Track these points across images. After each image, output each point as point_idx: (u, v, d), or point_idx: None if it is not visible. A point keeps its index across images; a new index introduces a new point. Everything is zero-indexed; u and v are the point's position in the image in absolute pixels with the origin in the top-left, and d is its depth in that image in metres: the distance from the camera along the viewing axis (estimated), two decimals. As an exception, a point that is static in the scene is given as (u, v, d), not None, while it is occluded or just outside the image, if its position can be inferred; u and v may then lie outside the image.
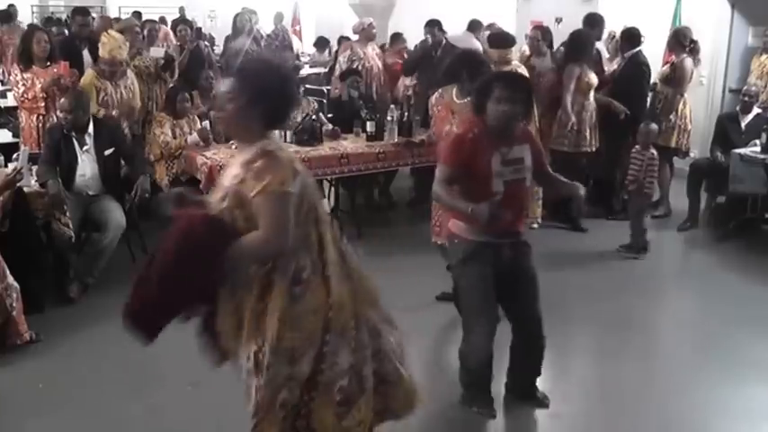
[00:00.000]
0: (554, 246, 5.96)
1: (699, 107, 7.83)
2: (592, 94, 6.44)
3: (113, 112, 5.90)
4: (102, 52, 5.96)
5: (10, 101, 6.87)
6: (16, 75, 5.82)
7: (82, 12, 7.11)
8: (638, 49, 6.66)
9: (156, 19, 8.98)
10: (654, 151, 5.95)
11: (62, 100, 5.14)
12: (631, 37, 6.73)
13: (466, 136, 3.40)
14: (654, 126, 6.09)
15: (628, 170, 5.99)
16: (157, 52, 6.97)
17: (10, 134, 6.46)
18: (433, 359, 4.45)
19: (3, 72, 8.49)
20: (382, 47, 9.33)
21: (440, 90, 4.65)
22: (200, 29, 11.35)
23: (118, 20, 9.16)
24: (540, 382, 4.04)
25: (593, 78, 6.38)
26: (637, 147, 6.00)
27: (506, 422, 3.70)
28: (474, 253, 3.42)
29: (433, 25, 7.53)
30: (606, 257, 5.92)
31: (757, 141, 6.20)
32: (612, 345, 4.46)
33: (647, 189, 5.95)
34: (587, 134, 6.43)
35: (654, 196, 6.41)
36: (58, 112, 5.24)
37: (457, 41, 7.31)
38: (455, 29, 8.32)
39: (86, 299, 4.85)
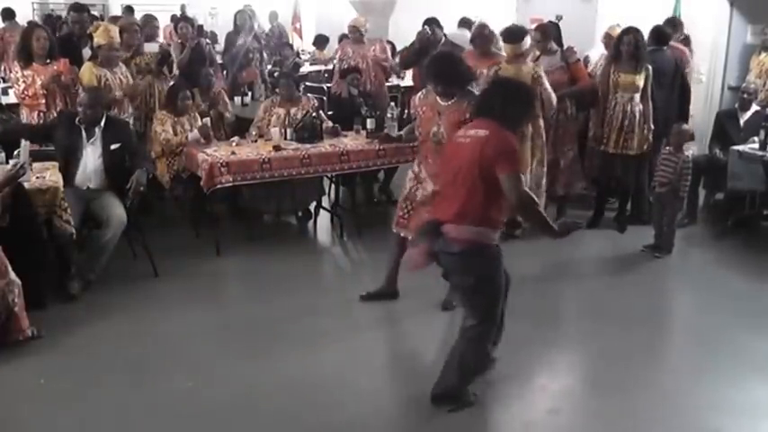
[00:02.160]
0: (549, 246, 5.97)
1: (698, 104, 7.86)
2: (625, 93, 6.18)
3: (117, 94, 5.96)
4: (99, 39, 5.99)
5: (11, 98, 6.87)
6: (17, 72, 5.83)
7: (77, 8, 6.88)
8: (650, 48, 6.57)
9: (158, 17, 8.94)
10: (688, 153, 5.76)
11: (81, 95, 5.22)
12: (658, 36, 6.60)
13: None
14: (686, 126, 5.93)
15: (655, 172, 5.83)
16: (152, 47, 6.96)
17: (12, 131, 6.47)
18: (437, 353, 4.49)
19: (4, 69, 8.49)
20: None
21: (423, 90, 4.65)
22: (202, 26, 11.33)
23: (117, 18, 9.16)
24: (540, 378, 4.07)
25: (625, 78, 6.15)
26: (668, 148, 5.80)
27: (506, 418, 3.72)
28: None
29: (432, 24, 7.53)
30: (602, 256, 5.94)
31: (756, 138, 6.22)
32: (611, 341, 4.47)
33: (683, 193, 5.80)
34: (611, 134, 6.21)
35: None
36: (76, 107, 5.27)
37: (454, 38, 7.33)
38: (456, 26, 8.33)
39: (87, 296, 4.86)
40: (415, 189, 4.63)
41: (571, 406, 3.83)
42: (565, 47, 6.58)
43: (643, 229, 6.14)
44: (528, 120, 3.70)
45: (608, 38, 7.10)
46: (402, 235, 4.70)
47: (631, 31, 6.22)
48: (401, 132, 5.63)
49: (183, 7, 13.20)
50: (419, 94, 4.68)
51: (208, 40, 9.38)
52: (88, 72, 5.94)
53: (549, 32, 6.49)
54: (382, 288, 4.89)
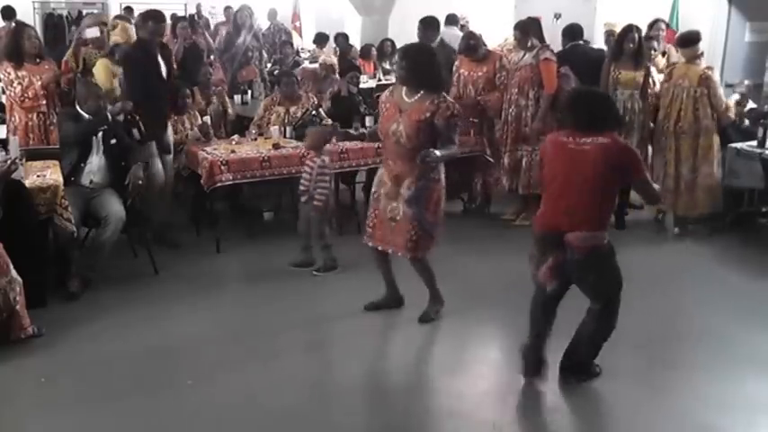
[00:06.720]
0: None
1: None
2: (625, 90, 6.26)
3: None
4: (117, 38, 6.10)
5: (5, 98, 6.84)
6: (9, 73, 5.70)
7: (156, 18, 5.64)
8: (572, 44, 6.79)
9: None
10: (325, 158, 5.25)
11: (78, 88, 5.31)
12: (573, 32, 6.85)
13: None
14: (321, 128, 5.62)
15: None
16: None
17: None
18: (439, 346, 4.51)
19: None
20: (381, 46, 9.35)
21: (390, 88, 4.64)
22: (193, 16, 11.28)
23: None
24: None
25: (626, 75, 6.25)
26: (309, 152, 5.41)
27: (508, 416, 3.74)
28: None
29: (427, 28, 7.52)
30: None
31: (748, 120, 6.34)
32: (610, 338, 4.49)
33: (317, 201, 5.21)
34: None
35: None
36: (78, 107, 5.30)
37: (444, 36, 7.36)
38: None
39: (88, 294, 4.87)
40: (377, 194, 4.56)
41: (569, 402, 3.85)
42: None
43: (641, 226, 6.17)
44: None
45: (610, 34, 7.14)
46: (370, 245, 4.64)
47: (633, 29, 6.29)
48: (364, 131, 5.61)
49: (198, 6, 13.31)
50: (386, 91, 4.65)
51: (200, 29, 9.39)
52: (103, 68, 5.90)
53: (528, 29, 6.45)
54: (385, 297, 4.83)
